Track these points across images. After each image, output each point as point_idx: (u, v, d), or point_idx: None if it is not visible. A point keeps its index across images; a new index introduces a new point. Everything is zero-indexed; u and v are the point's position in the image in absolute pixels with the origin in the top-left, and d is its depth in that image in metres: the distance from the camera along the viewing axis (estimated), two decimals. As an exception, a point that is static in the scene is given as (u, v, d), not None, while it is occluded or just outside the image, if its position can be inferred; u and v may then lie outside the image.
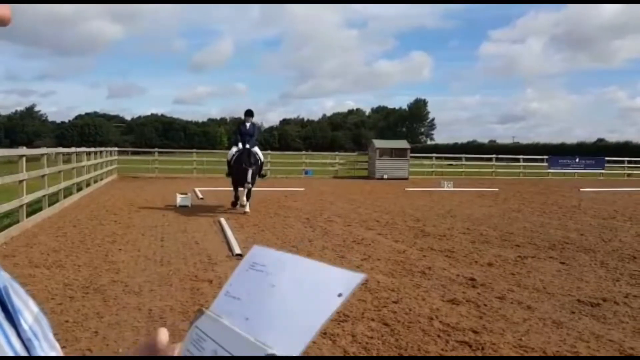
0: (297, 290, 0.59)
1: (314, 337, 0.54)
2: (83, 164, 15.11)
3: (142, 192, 15.79)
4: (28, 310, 0.54)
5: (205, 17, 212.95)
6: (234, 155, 11.57)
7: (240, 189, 11.56)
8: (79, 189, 14.35)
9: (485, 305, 4.86)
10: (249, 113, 11.60)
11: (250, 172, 10.76)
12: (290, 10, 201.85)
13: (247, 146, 11.16)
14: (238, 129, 11.83)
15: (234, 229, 8.88)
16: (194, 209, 11.85)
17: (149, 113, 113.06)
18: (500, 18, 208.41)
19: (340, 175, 26.88)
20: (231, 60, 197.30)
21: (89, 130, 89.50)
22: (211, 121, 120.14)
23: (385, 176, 24.77)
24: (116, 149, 25.62)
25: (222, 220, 9.81)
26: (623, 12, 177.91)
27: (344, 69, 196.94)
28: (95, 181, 17.50)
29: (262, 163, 11.77)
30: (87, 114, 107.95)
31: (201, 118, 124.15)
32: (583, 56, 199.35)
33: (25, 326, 0.49)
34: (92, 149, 18.30)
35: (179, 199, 12.23)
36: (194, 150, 28.32)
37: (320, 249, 7.52)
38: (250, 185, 10.89)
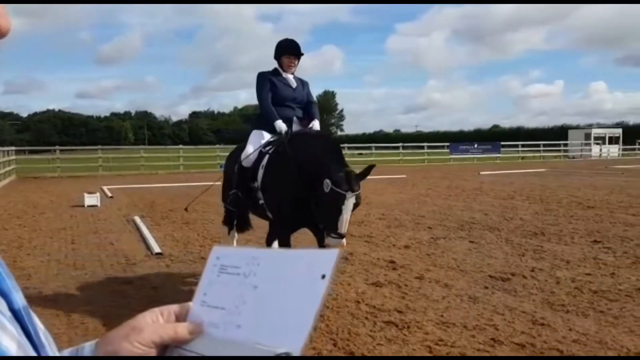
0: (281, 286, 0.57)
1: (313, 326, 0.53)
2: (-25, 165, 13.94)
3: (46, 194, 14.82)
4: (39, 328, 0.53)
5: (114, 8, 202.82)
6: (266, 151, 4.83)
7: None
8: (-28, 193, 13.23)
9: (406, 285, 5.10)
10: (291, 47, 4.94)
11: (352, 203, 4.04)
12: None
13: (301, 125, 4.94)
14: (269, 86, 4.87)
15: (151, 227, 8.60)
16: (103, 208, 11.32)
17: (45, 109, 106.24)
18: (407, 13, 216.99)
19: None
20: (141, 52, 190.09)
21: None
22: (114, 115, 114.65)
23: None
24: (13, 148, 23.83)
25: (137, 218, 9.46)
26: (516, 8, 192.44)
27: (258, 61, 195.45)
28: (-10, 184, 16.21)
29: None
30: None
31: (104, 112, 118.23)
32: (483, 49, 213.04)
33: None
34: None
35: (87, 199, 11.61)
36: (99, 147, 26.97)
37: (244, 242, 7.47)
38: (344, 242, 4.10)
